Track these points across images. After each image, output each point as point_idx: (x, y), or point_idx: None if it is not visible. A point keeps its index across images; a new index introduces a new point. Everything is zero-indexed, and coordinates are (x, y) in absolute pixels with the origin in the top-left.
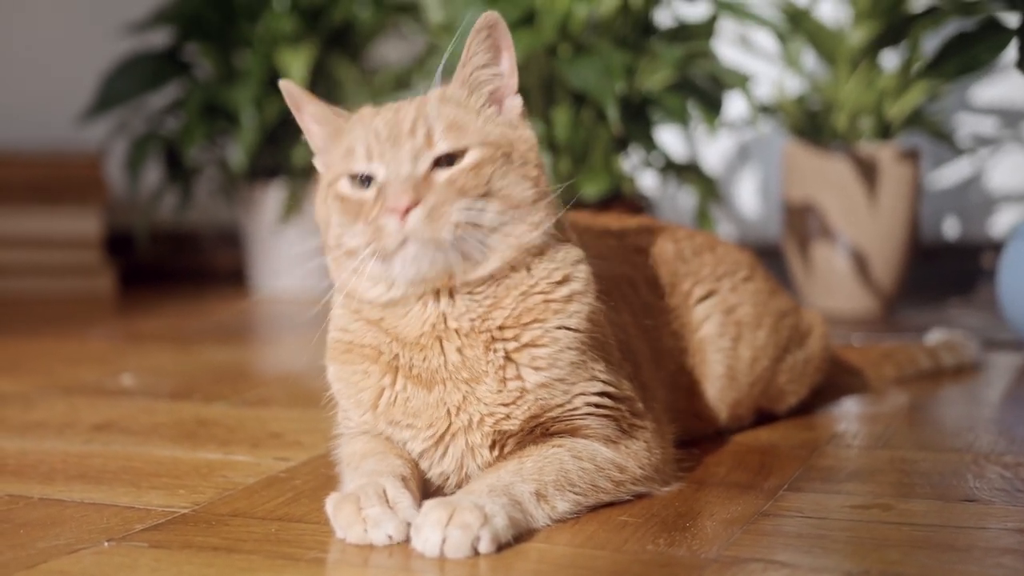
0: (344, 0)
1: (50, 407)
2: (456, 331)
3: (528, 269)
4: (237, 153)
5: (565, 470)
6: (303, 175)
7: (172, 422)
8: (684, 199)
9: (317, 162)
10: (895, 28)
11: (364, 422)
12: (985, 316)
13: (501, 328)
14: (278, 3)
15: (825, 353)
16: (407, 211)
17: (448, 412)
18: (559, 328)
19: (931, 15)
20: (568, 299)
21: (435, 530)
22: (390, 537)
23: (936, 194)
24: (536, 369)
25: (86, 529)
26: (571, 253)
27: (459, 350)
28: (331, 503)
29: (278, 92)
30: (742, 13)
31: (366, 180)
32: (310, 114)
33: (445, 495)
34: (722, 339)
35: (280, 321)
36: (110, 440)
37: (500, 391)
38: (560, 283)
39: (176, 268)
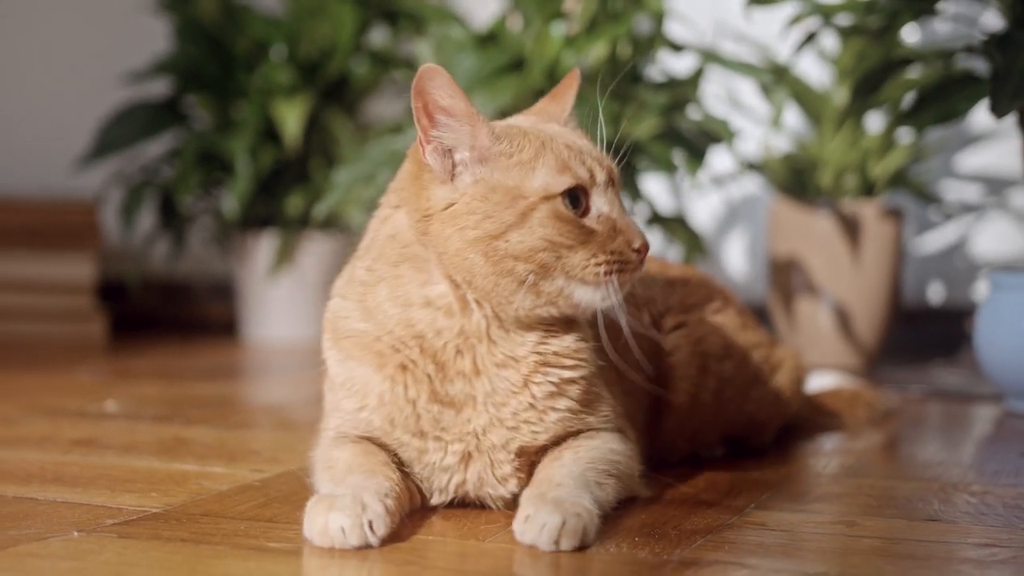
0: (340, 54)
1: (32, 426)
2: (513, 358)
3: None
4: (230, 201)
5: (609, 460)
6: (295, 224)
7: (152, 440)
8: (669, 254)
9: (431, 154)
10: (872, 77)
11: (361, 420)
12: (966, 374)
13: (547, 364)
14: (275, 55)
15: (796, 386)
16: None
17: (474, 432)
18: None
19: (906, 63)
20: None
21: (554, 514)
22: (343, 530)
23: (921, 259)
24: (571, 399)
25: (57, 522)
26: None
27: (508, 376)
28: (309, 503)
29: (273, 142)
30: (727, 63)
31: (576, 201)
32: (451, 108)
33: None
34: (688, 368)
35: (270, 365)
36: (88, 452)
37: (536, 421)
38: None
39: (168, 317)
